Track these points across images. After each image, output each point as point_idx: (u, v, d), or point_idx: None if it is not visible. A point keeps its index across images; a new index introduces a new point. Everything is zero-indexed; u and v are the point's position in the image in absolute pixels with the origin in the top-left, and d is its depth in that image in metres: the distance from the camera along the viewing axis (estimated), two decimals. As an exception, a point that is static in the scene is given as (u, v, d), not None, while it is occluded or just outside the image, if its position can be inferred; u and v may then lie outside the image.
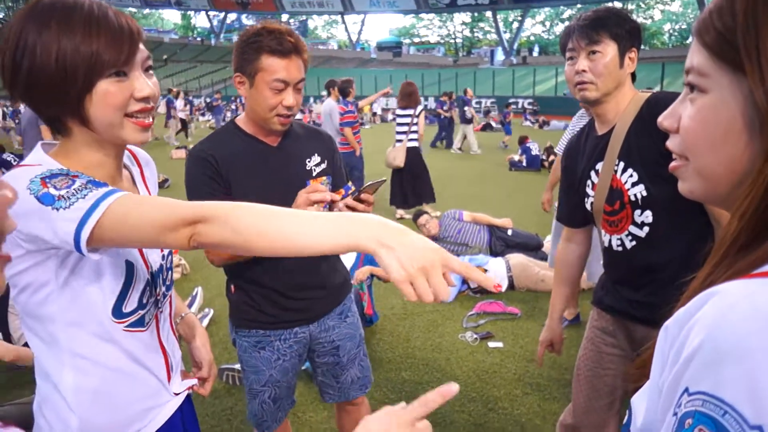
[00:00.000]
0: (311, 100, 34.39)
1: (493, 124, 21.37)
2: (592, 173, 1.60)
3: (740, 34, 0.50)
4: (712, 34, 0.53)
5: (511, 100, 31.35)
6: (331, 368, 1.84)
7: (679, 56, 37.50)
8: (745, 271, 0.48)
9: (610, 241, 1.59)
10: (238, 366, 2.91)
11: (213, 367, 1.31)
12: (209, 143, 1.63)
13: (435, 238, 5.18)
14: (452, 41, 70.11)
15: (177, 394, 1.14)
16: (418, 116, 6.59)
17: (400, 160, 6.52)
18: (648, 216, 1.48)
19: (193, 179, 1.57)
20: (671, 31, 60.70)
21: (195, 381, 1.22)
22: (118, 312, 0.98)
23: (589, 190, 1.63)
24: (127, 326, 1.00)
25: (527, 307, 3.97)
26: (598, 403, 1.70)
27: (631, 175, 1.49)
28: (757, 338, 0.41)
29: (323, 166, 1.71)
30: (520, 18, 57.92)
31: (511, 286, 4.29)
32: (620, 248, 1.56)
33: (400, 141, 6.63)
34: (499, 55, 55.99)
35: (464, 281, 4.24)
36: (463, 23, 68.63)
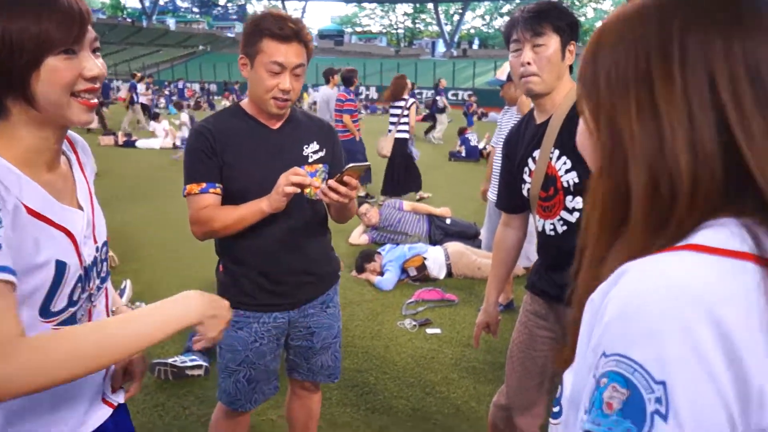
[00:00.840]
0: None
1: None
2: (530, 160, 1.66)
3: (581, 69, 0.62)
4: (579, 69, 0.64)
5: (451, 92, 31.77)
6: (304, 351, 1.84)
7: (609, 53, 39.23)
8: (654, 249, 0.53)
9: (543, 226, 1.65)
10: (170, 360, 2.83)
11: (143, 363, 1.25)
12: (211, 119, 1.67)
13: (375, 227, 5.21)
14: (394, 31, 70.29)
15: (111, 395, 1.09)
16: (408, 108, 6.70)
17: (386, 150, 6.72)
18: (578, 202, 1.55)
19: (189, 152, 1.62)
20: (602, 29, 63.41)
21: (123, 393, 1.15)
22: (45, 311, 0.91)
23: (526, 177, 1.69)
24: (57, 325, 0.94)
25: (464, 294, 4.07)
26: (529, 383, 1.77)
27: (564, 163, 1.56)
28: (660, 306, 0.47)
29: (321, 154, 1.72)
30: (460, 11, 58.82)
31: (449, 273, 4.38)
32: (552, 233, 1.62)
33: (391, 131, 6.84)
34: (441, 47, 56.72)
35: (404, 270, 4.29)
36: (405, 14, 68.95)
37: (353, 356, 3.13)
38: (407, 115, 6.68)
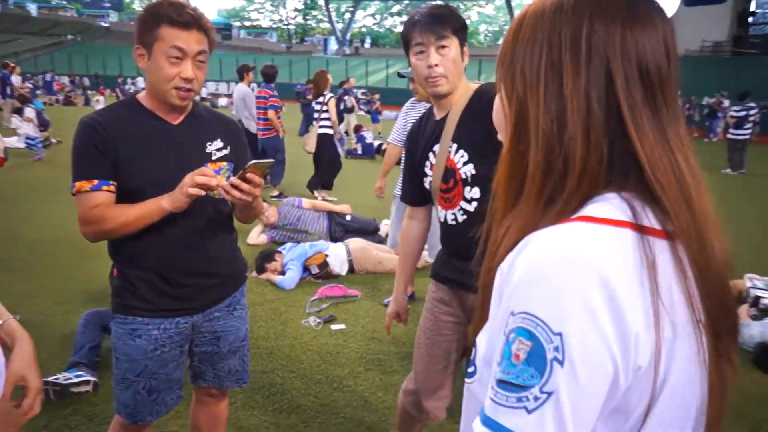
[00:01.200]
0: (128, 80, 31.25)
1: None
2: (431, 155, 1.74)
3: (500, 54, 0.68)
4: (498, 53, 0.70)
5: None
6: (209, 357, 1.74)
7: (492, 55, 41.64)
8: (551, 223, 0.61)
9: (445, 216, 1.74)
10: (52, 378, 2.57)
11: (37, 380, 1.12)
12: (103, 112, 1.56)
13: (274, 226, 5.12)
14: (285, 27, 69.06)
15: None
16: (326, 103, 6.69)
17: (310, 146, 6.83)
18: (476, 192, 1.65)
19: (77, 148, 1.50)
20: (486, 32, 67.19)
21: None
22: None
23: (428, 170, 1.76)
24: None
25: (367, 289, 4.13)
26: (436, 367, 1.85)
27: (462, 156, 1.65)
28: (555, 268, 0.54)
29: (225, 152, 1.64)
30: (352, 9, 59.18)
31: (351, 269, 4.42)
32: (454, 222, 1.71)
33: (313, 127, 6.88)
34: (333, 45, 56.66)
35: (305, 268, 4.26)
36: (296, 10, 68.02)
37: (258, 358, 3.06)
38: (327, 110, 6.72)
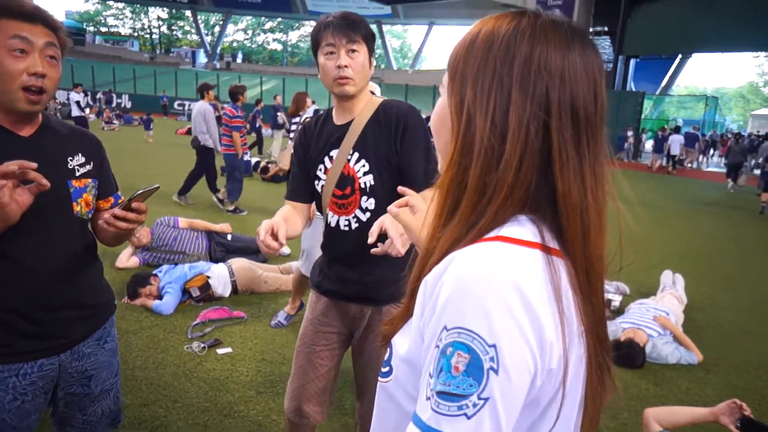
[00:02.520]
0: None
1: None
2: (326, 159, 1.75)
3: (451, 60, 0.73)
4: (449, 59, 0.74)
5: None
6: (78, 400, 1.54)
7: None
8: (472, 240, 0.66)
9: (337, 221, 1.76)
10: None
11: None
12: None
13: (147, 248, 4.77)
14: (148, 36, 64.88)
15: None
16: (302, 123, 6.42)
17: (284, 163, 7.31)
18: (371, 203, 1.71)
19: None
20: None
21: None
22: None
23: (321, 174, 1.76)
24: None
25: (253, 309, 4.01)
26: (315, 373, 1.87)
27: (363, 165, 1.70)
28: (482, 286, 0.60)
29: (88, 167, 1.49)
30: (222, 22, 57.41)
31: (235, 290, 4.26)
32: (347, 228, 1.74)
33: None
34: (202, 58, 54.44)
35: (185, 291, 4.02)
36: (160, 19, 64.28)
37: (136, 391, 2.82)
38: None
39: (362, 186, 1.70)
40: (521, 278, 0.61)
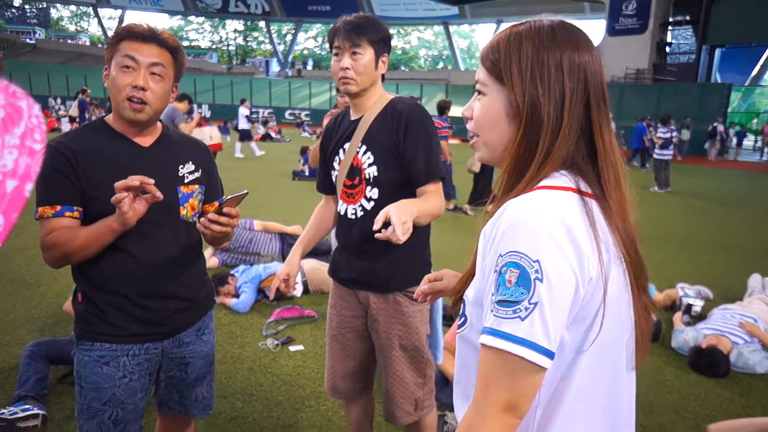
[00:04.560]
0: (58, 100, 29.86)
1: (273, 134, 21.46)
2: (341, 151, 1.88)
3: (502, 63, 0.86)
4: (488, 61, 0.88)
5: (288, 112, 31.77)
6: (177, 384, 1.72)
7: (433, 78, 42.77)
8: (520, 192, 0.84)
9: (346, 209, 1.88)
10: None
11: None
12: (71, 135, 1.54)
13: (225, 249, 5.05)
14: (225, 48, 68.23)
15: None
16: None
17: (476, 166, 7.89)
18: (375, 193, 1.80)
19: (44, 171, 1.45)
20: (426, 57, 69.02)
21: None
22: None
23: (336, 165, 1.90)
24: None
25: (323, 309, 4.14)
26: (343, 354, 1.99)
27: (369, 158, 1.80)
28: (530, 218, 0.77)
29: (197, 174, 1.66)
30: (293, 31, 59.30)
31: (306, 290, 4.44)
32: (353, 216, 1.85)
33: None
34: (274, 66, 56.47)
35: (260, 291, 4.23)
36: (236, 31, 67.41)
37: (217, 382, 2.96)
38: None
39: (367, 176, 1.80)
40: (559, 210, 0.78)
